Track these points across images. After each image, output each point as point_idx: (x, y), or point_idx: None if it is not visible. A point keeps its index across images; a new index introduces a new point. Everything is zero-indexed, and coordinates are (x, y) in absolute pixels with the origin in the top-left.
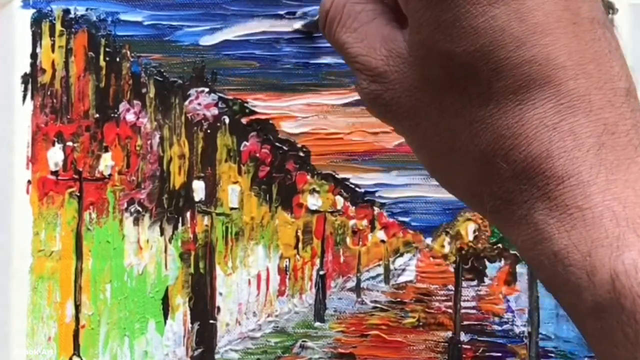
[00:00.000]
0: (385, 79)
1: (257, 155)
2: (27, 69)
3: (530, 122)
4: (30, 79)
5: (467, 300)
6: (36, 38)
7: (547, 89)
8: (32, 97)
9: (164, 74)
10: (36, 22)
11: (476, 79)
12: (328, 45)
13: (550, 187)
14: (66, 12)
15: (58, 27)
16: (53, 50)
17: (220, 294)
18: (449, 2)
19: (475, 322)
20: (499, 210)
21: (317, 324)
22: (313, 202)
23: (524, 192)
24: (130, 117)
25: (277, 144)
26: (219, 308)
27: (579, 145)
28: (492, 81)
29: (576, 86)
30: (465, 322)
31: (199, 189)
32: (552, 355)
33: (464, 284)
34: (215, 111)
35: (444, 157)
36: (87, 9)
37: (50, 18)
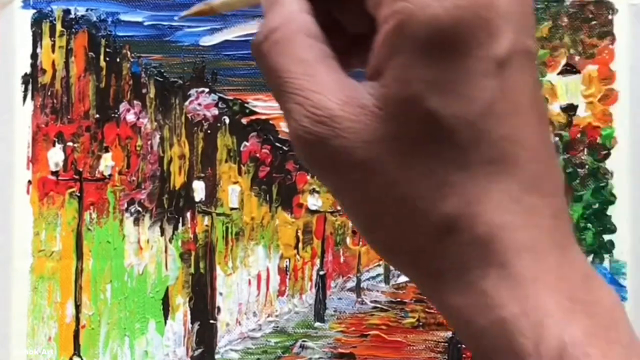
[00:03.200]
0: (337, 124)
1: (257, 155)
2: (28, 70)
3: (497, 194)
4: (30, 80)
5: None
6: (36, 38)
7: (513, 167)
8: (33, 98)
9: (164, 74)
10: (36, 23)
11: (454, 145)
12: None
13: (507, 257)
14: (66, 12)
15: (58, 27)
16: (53, 51)
17: (221, 294)
18: (455, 63)
19: None
20: (444, 274)
21: (317, 324)
22: (313, 202)
23: (479, 259)
24: (131, 117)
25: (277, 144)
26: (219, 308)
27: (538, 223)
28: (470, 150)
29: (536, 169)
30: None
31: (199, 189)
32: None
33: None
34: (216, 111)
35: (393, 217)
36: (87, 10)
37: (51, 18)
